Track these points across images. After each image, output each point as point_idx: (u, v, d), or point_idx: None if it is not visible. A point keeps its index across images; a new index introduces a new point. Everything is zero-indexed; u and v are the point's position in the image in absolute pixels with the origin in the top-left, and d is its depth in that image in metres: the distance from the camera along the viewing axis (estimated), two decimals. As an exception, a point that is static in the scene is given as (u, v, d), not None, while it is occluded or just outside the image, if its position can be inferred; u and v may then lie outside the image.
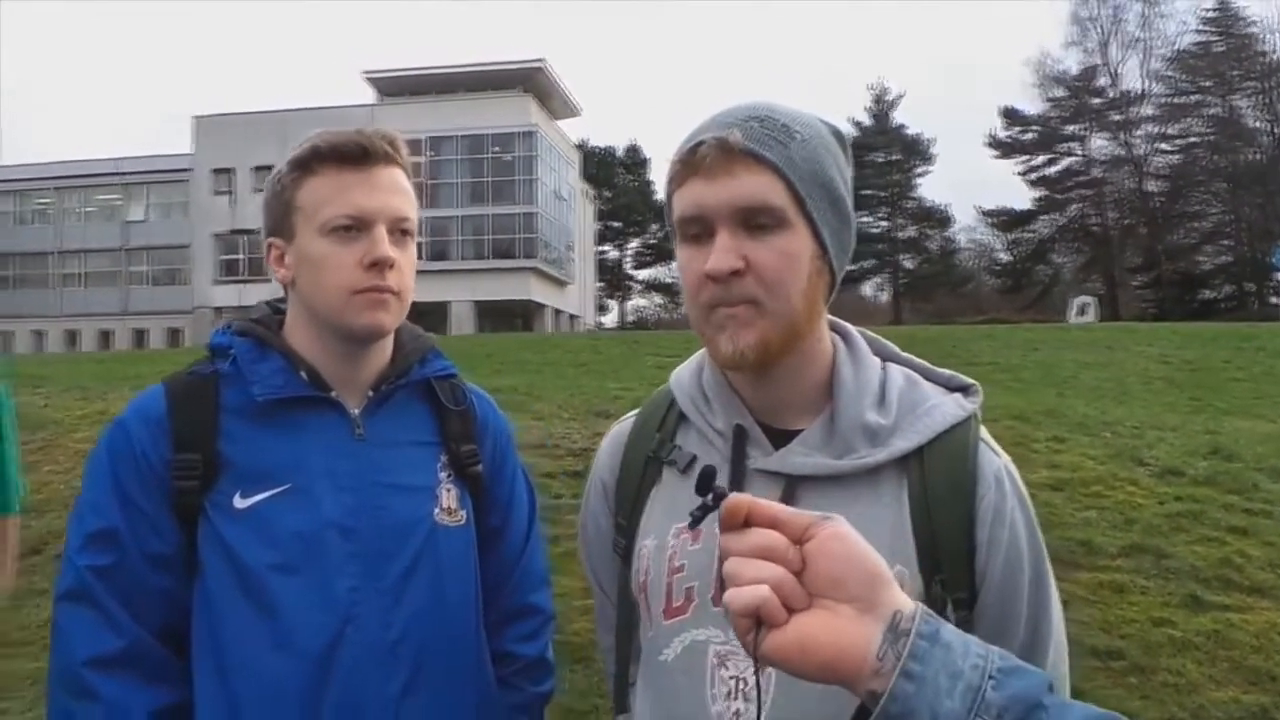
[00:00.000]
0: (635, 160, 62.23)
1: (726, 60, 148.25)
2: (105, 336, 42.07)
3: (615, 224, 60.66)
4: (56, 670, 1.27)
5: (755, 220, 1.02)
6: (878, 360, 1.17)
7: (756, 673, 0.80)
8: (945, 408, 1.11)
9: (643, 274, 65.16)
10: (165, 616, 1.28)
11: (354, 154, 1.29)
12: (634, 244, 63.40)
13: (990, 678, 0.68)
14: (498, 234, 39.97)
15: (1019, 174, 51.18)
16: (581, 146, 53.89)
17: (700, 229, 1.04)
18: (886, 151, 53.90)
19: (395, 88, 42.45)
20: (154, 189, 43.39)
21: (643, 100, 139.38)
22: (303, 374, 1.34)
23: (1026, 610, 1.06)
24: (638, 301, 66.63)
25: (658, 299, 66.73)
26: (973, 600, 1.05)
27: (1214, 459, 6.24)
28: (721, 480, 0.95)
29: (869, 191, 52.81)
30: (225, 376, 1.34)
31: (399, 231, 1.32)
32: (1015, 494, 1.09)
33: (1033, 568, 1.08)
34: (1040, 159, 50.89)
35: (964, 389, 1.15)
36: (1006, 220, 52.00)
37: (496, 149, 39.84)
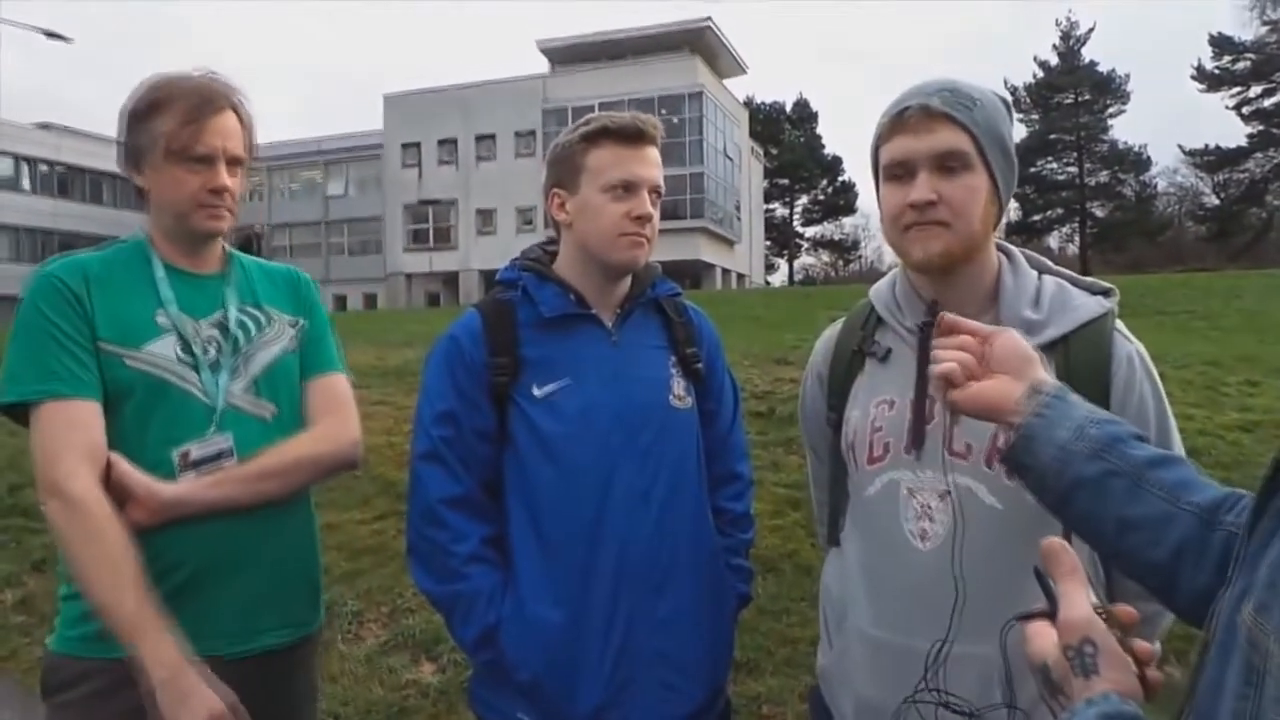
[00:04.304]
0: (803, 115, 59.92)
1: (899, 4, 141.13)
2: (312, 303, 45.56)
3: (782, 181, 58.99)
4: (417, 507, 1.67)
5: (947, 163, 1.34)
6: (1034, 271, 1.47)
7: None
8: (1088, 305, 1.41)
9: (810, 231, 63.21)
10: (486, 475, 1.69)
11: (632, 134, 1.69)
12: (802, 200, 61.41)
13: (1093, 422, 1.06)
14: (666, 195, 39.47)
15: (1230, 108, 46.32)
16: (748, 104, 52.77)
17: (904, 171, 1.37)
18: (1075, 92, 49.15)
19: (567, 56, 43.23)
20: (351, 165, 45.81)
21: (810, 53, 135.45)
22: (572, 297, 1.71)
23: None
24: (805, 259, 64.90)
25: (825, 256, 64.92)
26: None
27: None
28: (911, 363, 1.42)
29: (1054, 136, 48.79)
30: (517, 301, 1.73)
31: (655, 195, 1.72)
32: (1143, 370, 1.38)
33: (1158, 426, 1.35)
34: (1256, 90, 45.51)
35: (1105, 292, 1.44)
36: (1214, 160, 46.75)
37: (664, 111, 39.79)
